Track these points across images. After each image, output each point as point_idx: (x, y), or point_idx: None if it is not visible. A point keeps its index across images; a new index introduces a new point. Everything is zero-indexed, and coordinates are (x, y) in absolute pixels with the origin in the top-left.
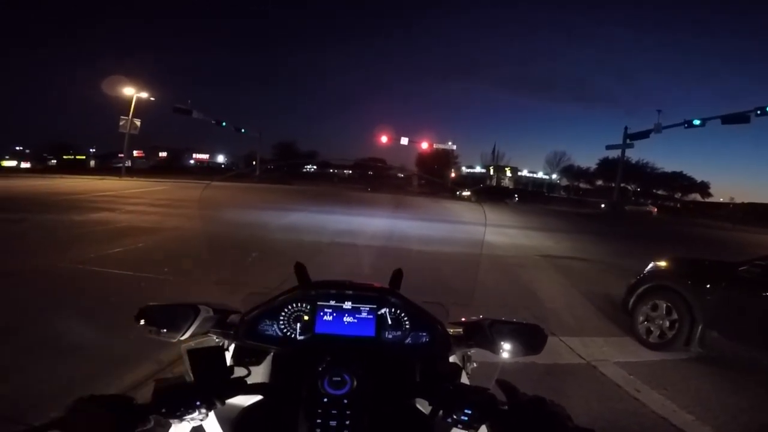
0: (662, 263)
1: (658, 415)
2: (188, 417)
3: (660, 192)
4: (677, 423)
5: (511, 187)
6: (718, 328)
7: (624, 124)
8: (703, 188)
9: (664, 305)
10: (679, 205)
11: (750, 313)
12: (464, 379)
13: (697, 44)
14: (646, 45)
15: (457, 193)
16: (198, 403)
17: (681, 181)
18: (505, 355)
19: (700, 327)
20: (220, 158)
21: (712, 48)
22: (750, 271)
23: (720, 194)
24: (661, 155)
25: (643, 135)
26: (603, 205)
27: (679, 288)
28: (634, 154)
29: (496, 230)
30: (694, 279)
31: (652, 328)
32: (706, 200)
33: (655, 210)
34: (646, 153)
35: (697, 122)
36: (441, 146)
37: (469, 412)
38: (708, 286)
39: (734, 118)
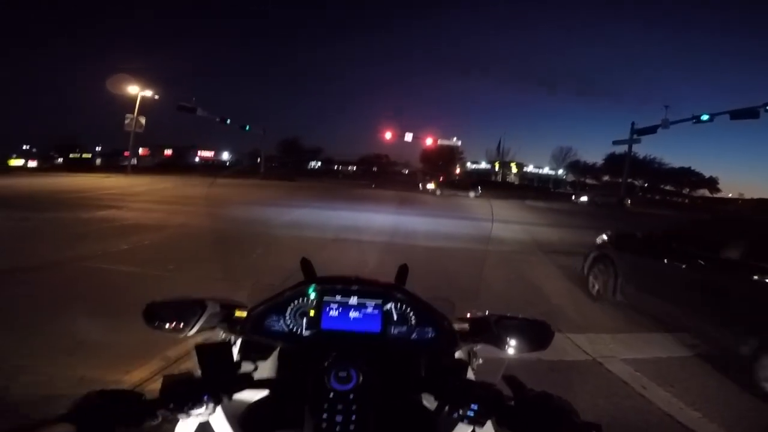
0: (604, 236)
1: (665, 412)
2: (195, 412)
3: (668, 187)
4: (683, 420)
5: (517, 182)
6: (631, 282)
7: (631, 119)
8: (712, 184)
9: (601, 267)
10: (687, 201)
11: (645, 269)
12: (470, 375)
13: (705, 39)
14: (653, 40)
15: (420, 185)
16: (205, 398)
17: (689, 177)
18: (511, 351)
19: (620, 281)
20: (225, 155)
21: (721, 43)
22: (649, 238)
23: (729, 190)
24: (668, 151)
25: (651, 130)
26: (583, 198)
27: (610, 253)
28: (641, 150)
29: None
30: (618, 246)
31: (595, 285)
32: (715, 196)
33: (629, 202)
34: (654, 148)
35: (705, 117)
36: (445, 142)
37: (476, 407)
38: (626, 251)
39: (743, 113)
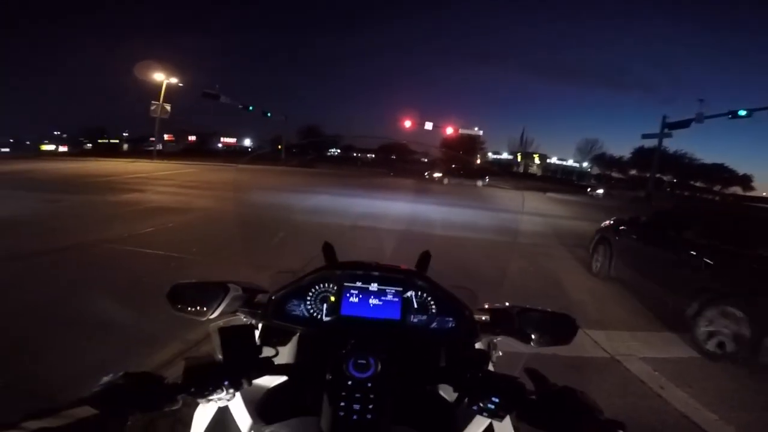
0: (607, 222)
1: (681, 413)
2: (215, 397)
3: (698, 184)
4: (699, 421)
5: (539, 174)
6: (620, 260)
7: (661, 112)
8: (746, 181)
9: (602, 247)
10: (717, 198)
11: (629, 249)
12: (489, 368)
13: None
14: (686, 31)
15: (426, 174)
16: (226, 383)
17: (721, 174)
18: (533, 344)
19: (614, 260)
20: (247, 142)
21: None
22: (634, 221)
23: (764, 189)
24: (701, 146)
25: (683, 125)
26: (599, 191)
27: (608, 235)
28: (671, 144)
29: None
30: (614, 228)
31: (597, 262)
32: (747, 194)
33: (603, 191)
34: (686, 144)
35: (743, 113)
36: (466, 131)
37: (497, 400)
38: (619, 234)
39: None
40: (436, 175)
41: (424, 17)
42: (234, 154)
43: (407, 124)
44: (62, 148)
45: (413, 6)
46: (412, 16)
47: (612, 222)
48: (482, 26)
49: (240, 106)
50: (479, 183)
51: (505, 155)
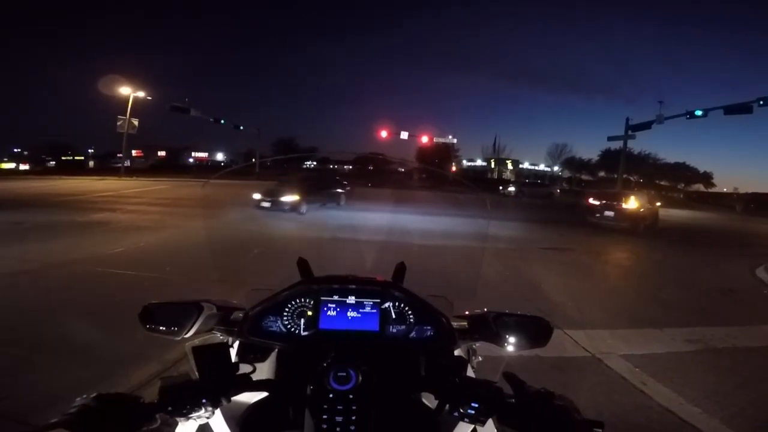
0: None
1: (665, 408)
2: (194, 415)
3: (663, 183)
4: (684, 416)
5: (512, 179)
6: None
7: (625, 114)
8: (707, 178)
9: None
10: (682, 196)
11: None
12: (470, 373)
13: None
14: (646, 35)
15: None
16: (204, 400)
17: (684, 172)
18: (510, 348)
19: None
20: (220, 156)
21: (714, 38)
22: None
23: (724, 184)
24: (663, 146)
25: (645, 126)
26: (511, 189)
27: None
28: (636, 145)
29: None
30: None
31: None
32: (710, 190)
33: (558, 191)
34: (649, 144)
35: (699, 113)
36: (441, 140)
37: (476, 405)
38: None
39: (737, 108)
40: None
41: (394, 28)
42: (206, 169)
43: (383, 134)
44: (23, 166)
45: (384, 17)
46: (383, 26)
47: None
48: (453, 36)
49: (211, 120)
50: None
51: (479, 162)
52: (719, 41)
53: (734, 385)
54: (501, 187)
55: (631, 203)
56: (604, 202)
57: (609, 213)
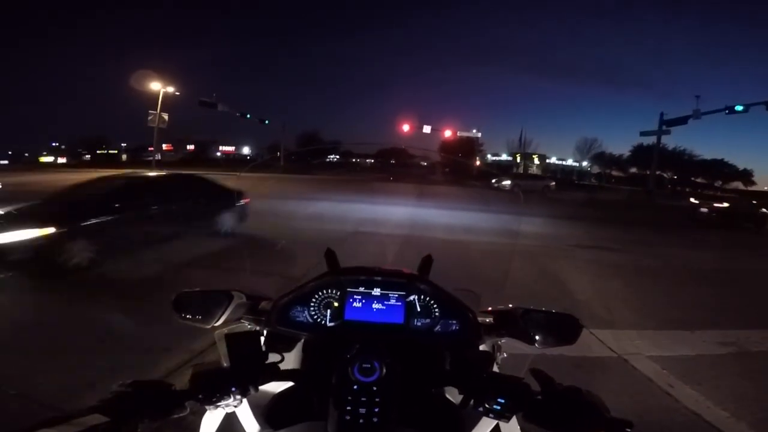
0: None
1: (692, 411)
2: (223, 403)
3: (699, 180)
4: (711, 419)
5: (539, 174)
6: None
7: (659, 109)
8: (746, 176)
9: None
10: (719, 193)
11: None
12: (494, 369)
13: (738, 27)
14: (683, 26)
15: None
16: (234, 389)
17: (722, 169)
18: (538, 345)
19: None
20: (246, 150)
21: (754, 30)
22: None
23: (765, 183)
24: (700, 142)
25: (681, 121)
26: (506, 183)
27: None
28: (670, 141)
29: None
30: None
31: None
32: (749, 189)
33: (553, 183)
34: (684, 140)
35: (739, 108)
36: (465, 134)
37: (503, 401)
38: None
39: None
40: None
41: (420, 21)
42: (233, 162)
43: (405, 128)
44: (61, 160)
45: (409, 10)
46: (409, 20)
47: None
48: (479, 28)
49: (237, 114)
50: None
51: (504, 157)
52: (760, 33)
53: (764, 389)
54: (494, 180)
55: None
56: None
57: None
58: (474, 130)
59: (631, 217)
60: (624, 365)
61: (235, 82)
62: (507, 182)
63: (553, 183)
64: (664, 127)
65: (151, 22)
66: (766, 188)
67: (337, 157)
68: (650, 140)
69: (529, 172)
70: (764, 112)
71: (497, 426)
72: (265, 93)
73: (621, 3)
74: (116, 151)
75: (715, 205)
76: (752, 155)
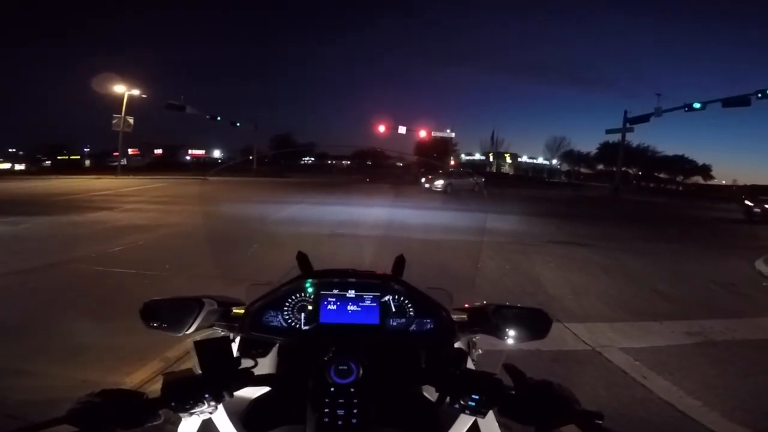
0: None
1: (665, 401)
2: (197, 410)
3: (662, 175)
4: (684, 409)
5: (511, 173)
6: None
7: (623, 107)
8: (705, 171)
9: None
10: (681, 188)
11: None
12: (470, 366)
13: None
14: (645, 27)
15: None
16: (207, 395)
17: (683, 165)
18: (510, 340)
19: None
20: (217, 153)
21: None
22: None
23: (722, 177)
24: (662, 139)
25: (643, 119)
26: (439, 183)
27: None
28: (634, 138)
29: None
30: None
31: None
32: (708, 183)
33: (483, 180)
34: (647, 137)
35: (697, 105)
36: (439, 134)
37: (477, 397)
38: None
39: (735, 101)
40: None
41: (391, 21)
42: (203, 166)
43: (381, 129)
44: (19, 166)
45: (380, 10)
46: (380, 19)
47: None
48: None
49: (207, 117)
50: None
51: (477, 156)
52: (718, 33)
53: (734, 378)
54: (423, 180)
55: None
56: None
57: None
58: (448, 130)
59: (599, 213)
60: (598, 358)
61: (206, 84)
62: (440, 182)
63: (483, 179)
64: (628, 125)
65: (116, 23)
66: (724, 182)
67: (312, 159)
68: (616, 137)
69: (502, 170)
70: (721, 110)
71: (475, 422)
72: (237, 95)
73: (586, 4)
74: (78, 157)
75: (766, 206)
76: (710, 151)
